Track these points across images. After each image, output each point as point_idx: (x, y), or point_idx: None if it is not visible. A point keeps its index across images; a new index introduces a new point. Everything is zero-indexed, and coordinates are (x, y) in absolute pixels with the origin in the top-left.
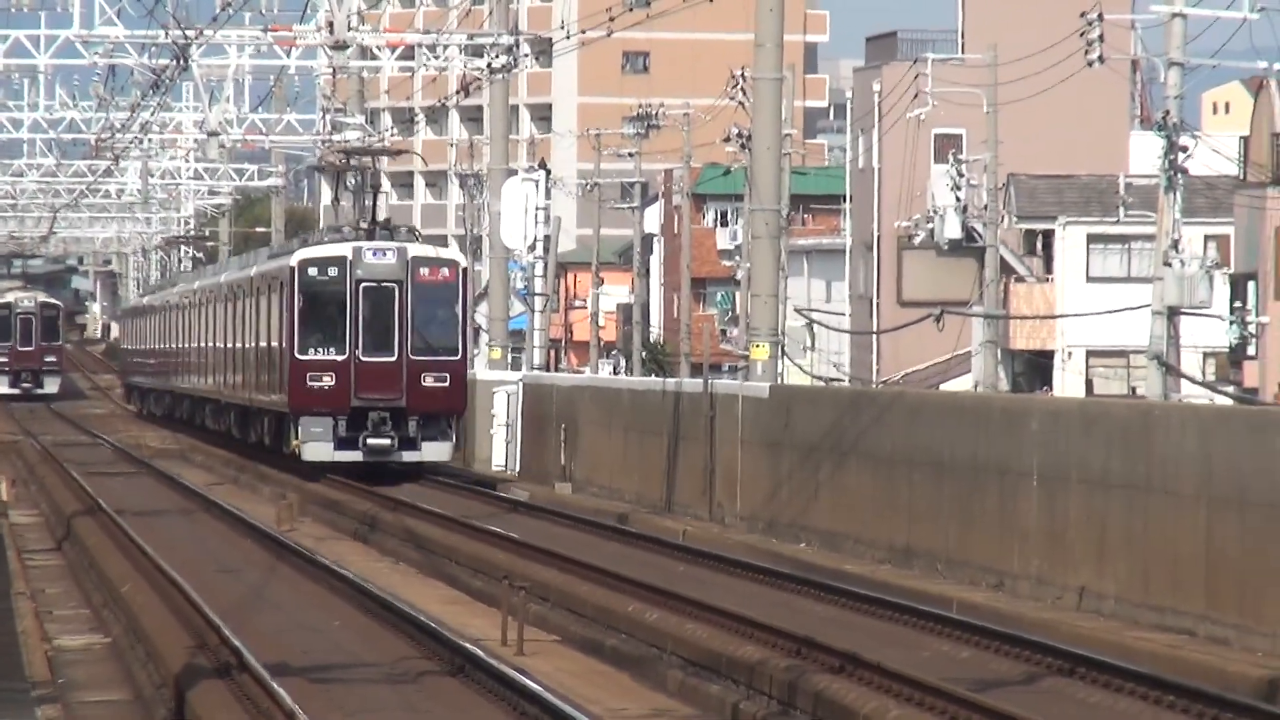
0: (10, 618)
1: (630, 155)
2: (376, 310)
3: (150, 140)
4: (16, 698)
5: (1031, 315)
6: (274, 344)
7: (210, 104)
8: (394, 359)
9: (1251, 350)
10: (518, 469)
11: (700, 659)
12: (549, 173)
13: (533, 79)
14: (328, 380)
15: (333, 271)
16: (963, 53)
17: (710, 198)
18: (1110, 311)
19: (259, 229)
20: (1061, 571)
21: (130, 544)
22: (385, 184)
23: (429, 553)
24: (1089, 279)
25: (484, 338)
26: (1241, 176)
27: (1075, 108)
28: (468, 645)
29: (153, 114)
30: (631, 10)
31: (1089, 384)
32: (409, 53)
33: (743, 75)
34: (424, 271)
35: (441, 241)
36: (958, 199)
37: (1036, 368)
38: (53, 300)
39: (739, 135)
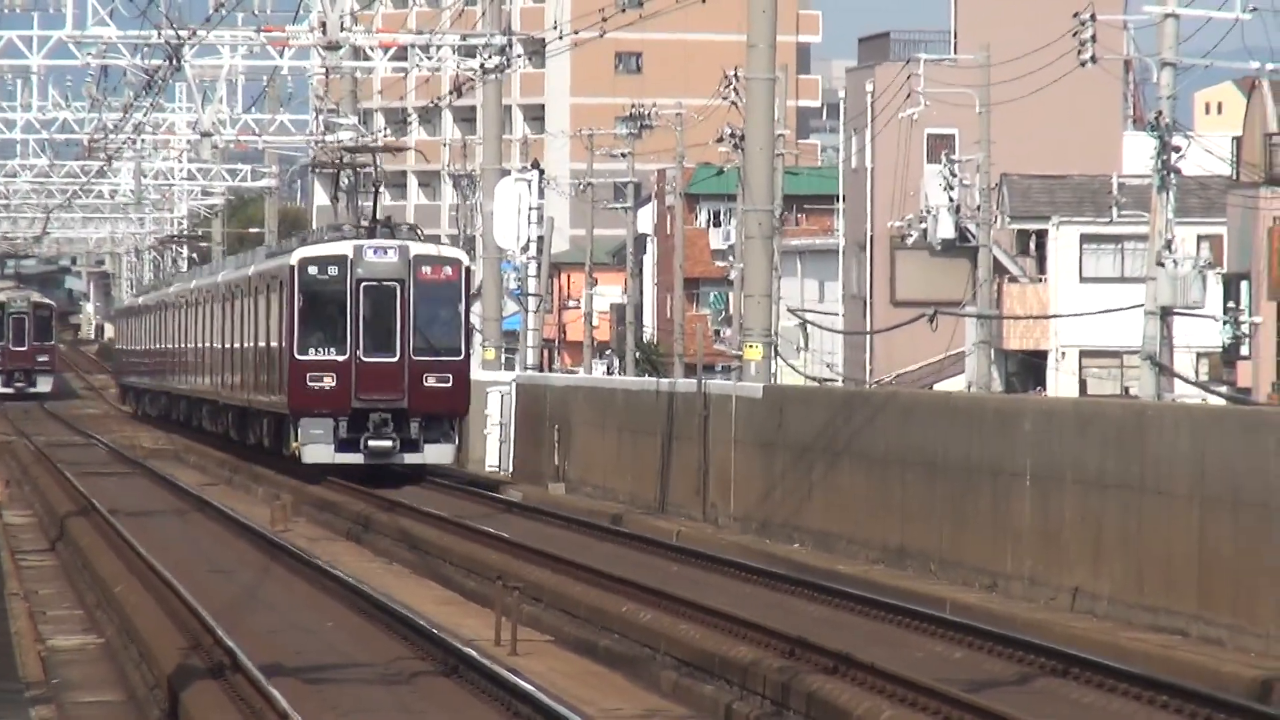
0: (4, 618)
1: (623, 155)
2: (378, 310)
3: (143, 141)
4: (10, 698)
5: (1025, 315)
6: (273, 344)
7: (203, 104)
8: (395, 359)
9: (1245, 350)
10: (511, 469)
11: (694, 659)
12: (542, 173)
13: (526, 79)
14: (328, 381)
15: (333, 270)
16: (955, 53)
17: (703, 198)
18: (1103, 312)
19: (252, 229)
20: (1055, 572)
21: (124, 544)
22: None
23: (423, 553)
24: (1082, 279)
25: (478, 338)
26: (1234, 177)
27: (1068, 108)
28: (461, 646)
29: (146, 114)
30: (624, 10)
31: (1082, 384)
32: (402, 53)
33: (735, 75)
34: (426, 270)
35: (434, 242)
36: (951, 199)
37: (1030, 368)
38: (45, 300)
39: (732, 135)
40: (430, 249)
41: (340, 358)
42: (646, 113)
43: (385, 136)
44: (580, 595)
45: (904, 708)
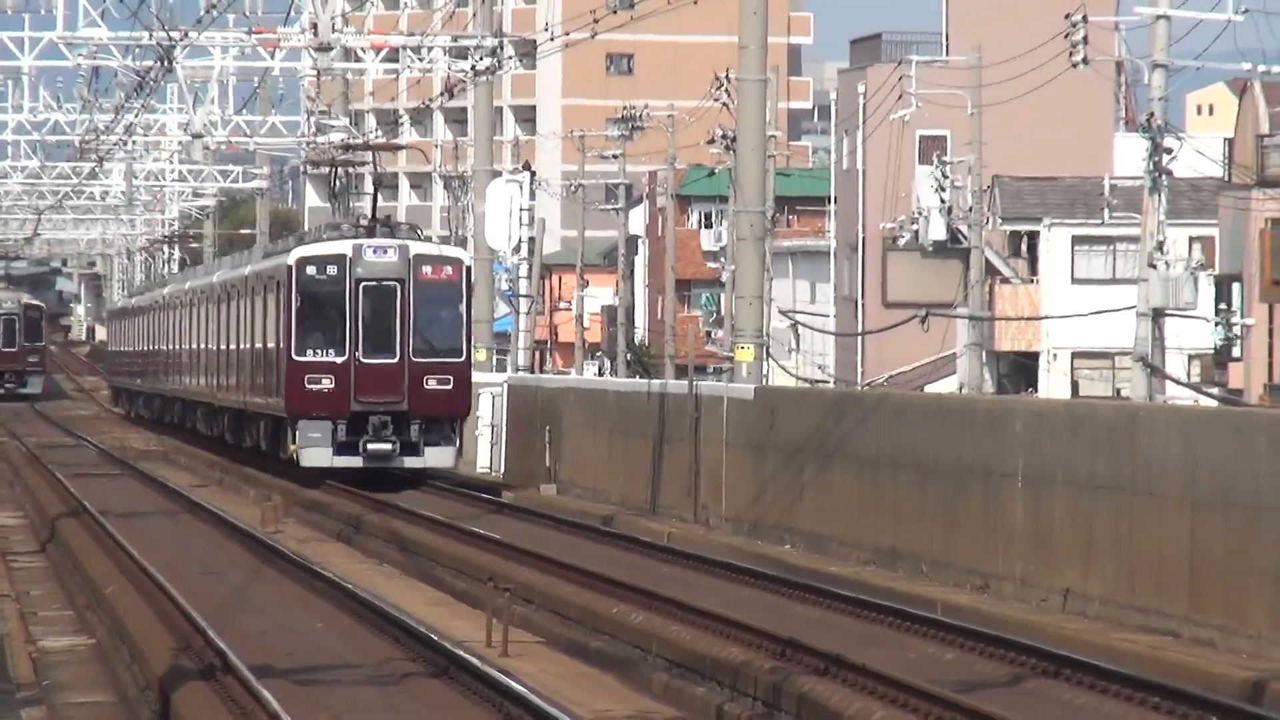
0: None
1: (615, 157)
2: (377, 310)
3: (134, 142)
4: (1, 699)
5: (1016, 317)
6: (270, 345)
7: (194, 106)
8: (395, 361)
9: (1236, 352)
10: (503, 471)
11: (685, 661)
12: (533, 174)
13: (517, 81)
14: (326, 383)
15: (332, 270)
16: (947, 54)
17: (695, 199)
18: (1095, 313)
19: (243, 230)
20: (1046, 573)
21: (115, 546)
22: (368, 185)
23: (413, 555)
24: (1074, 280)
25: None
26: (1226, 178)
27: (1060, 109)
28: (452, 647)
29: (137, 116)
30: (615, 12)
31: (1074, 385)
32: (393, 55)
33: (727, 77)
34: (426, 270)
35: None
36: (942, 200)
37: (1021, 369)
38: (36, 301)
39: (723, 137)
40: (431, 248)
41: (339, 359)
42: (638, 114)
43: (377, 138)
44: (571, 596)
45: (895, 709)
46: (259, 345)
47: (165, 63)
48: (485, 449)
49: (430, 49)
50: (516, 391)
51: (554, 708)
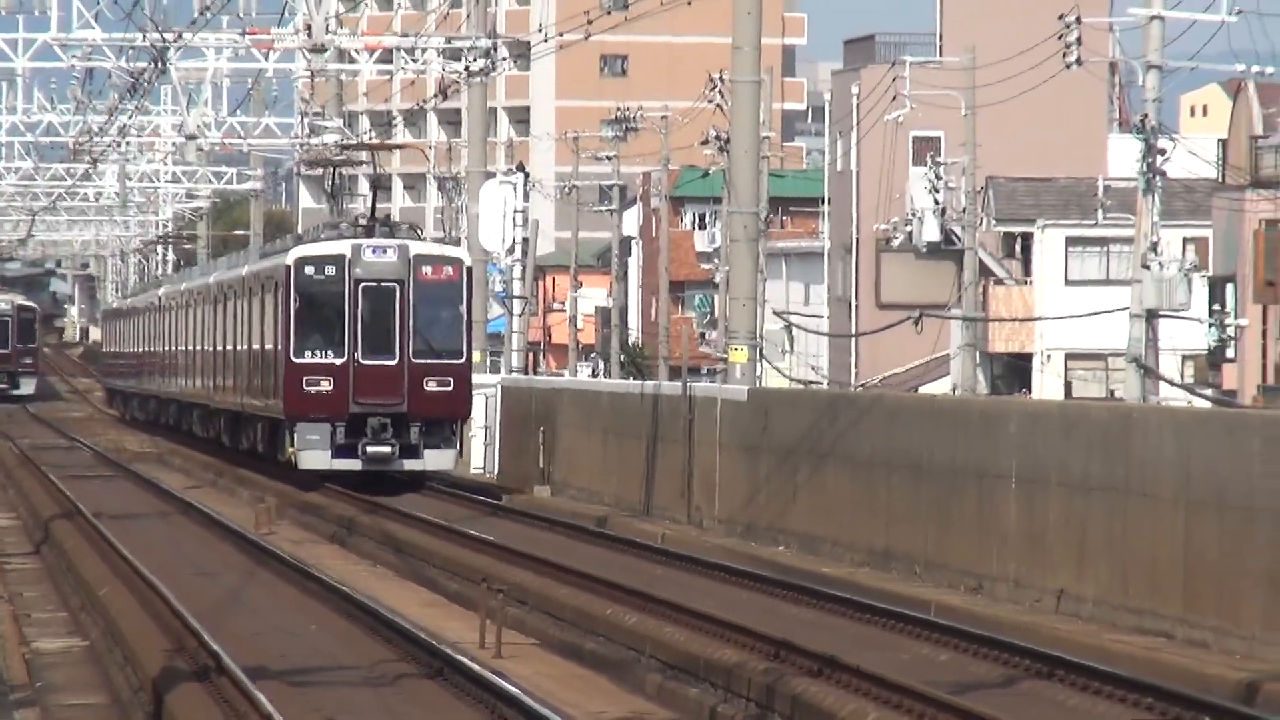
0: None
1: (608, 158)
2: (376, 311)
3: (128, 143)
4: None
5: (1010, 318)
6: (268, 346)
7: (188, 107)
8: (395, 362)
9: (1230, 353)
10: (496, 472)
11: (679, 662)
12: (527, 175)
13: (511, 82)
14: (325, 384)
15: (330, 270)
16: (941, 55)
17: (688, 200)
18: (1089, 314)
19: (237, 232)
20: (1040, 574)
21: (108, 547)
22: (364, 185)
23: (407, 556)
24: (1068, 281)
25: None
26: (1220, 179)
27: (1054, 110)
28: (446, 648)
29: (131, 117)
30: (609, 13)
31: (1068, 387)
32: (387, 56)
33: (721, 78)
34: (426, 270)
35: None
36: (936, 201)
37: (1015, 370)
38: (28, 303)
39: (717, 138)
40: (431, 248)
41: (338, 360)
42: (632, 115)
43: (372, 139)
44: (565, 598)
45: (889, 710)
46: (256, 346)
47: (159, 64)
48: (479, 450)
49: (424, 50)
50: (510, 393)
51: (547, 709)
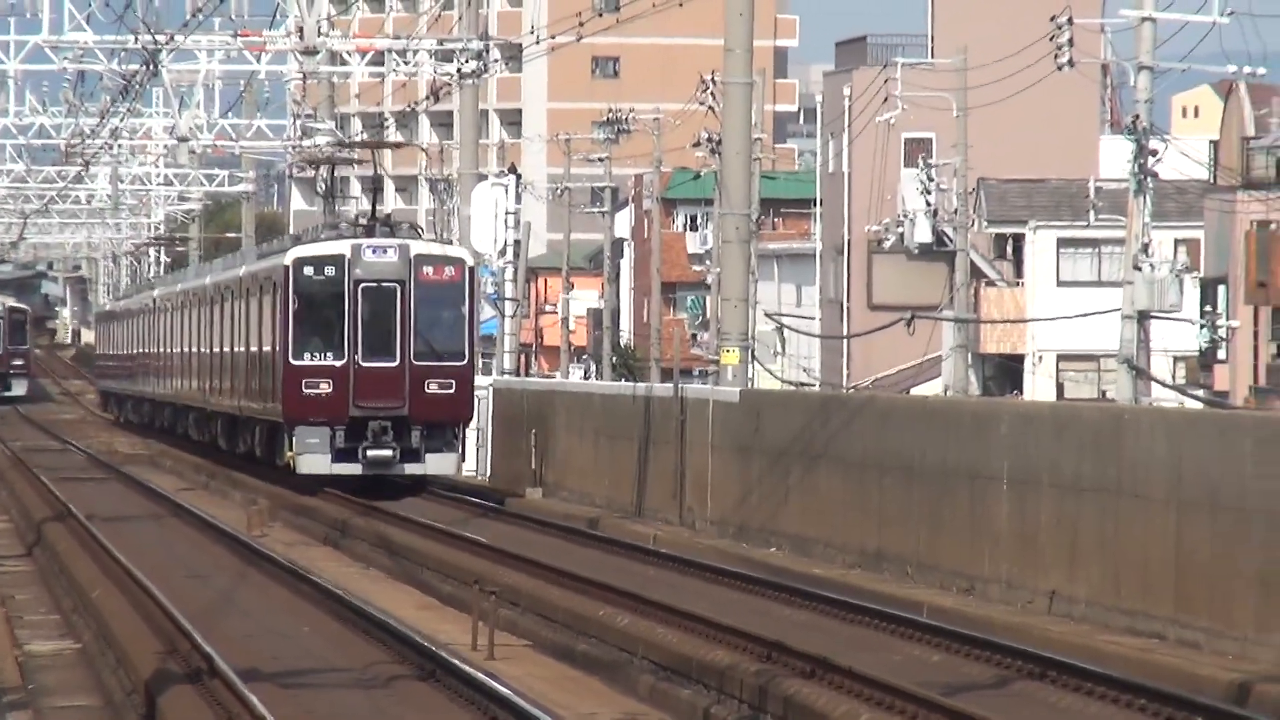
0: None
1: (600, 160)
2: (376, 312)
3: (120, 146)
4: None
5: (1002, 319)
6: (266, 348)
7: (180, 109)
8: (395, 364)
9: (1222, 354)
10: (489, 474)
11: (671, 663)
12: (519, 177)
13: (502, 84)
14: (324, 387)
15: (330, 270)
16: (932, 57)
17: (680, 202)
18: (1080, 315)
19: (229, 234)
20: (1032, 575)
21: (100, 550)
22: (356, 188)
23: (400, 558)
24: (1059, 283)
25: None
26: (1211, 180)
27: (1045, 112)
28: (438, 650)
29: (123, 119)
30: (601, 15)
31: (1059, 388)
32: (379, 58)
33: (713, 80)
34: (428, 270)
35: None
36: (928, 203)
37: (1007, 372)
38: (20, 305)
39: (709, 140)
40: (433, 248)
41: (337, 363)
42: (623, 117)
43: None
44: (557, 600)
45: (881, 711)
46: (254, 348)
47: (151, 66)
48: (471, 452)
49: (416, 52)
50: (502, 395)
51: (540, 710)
